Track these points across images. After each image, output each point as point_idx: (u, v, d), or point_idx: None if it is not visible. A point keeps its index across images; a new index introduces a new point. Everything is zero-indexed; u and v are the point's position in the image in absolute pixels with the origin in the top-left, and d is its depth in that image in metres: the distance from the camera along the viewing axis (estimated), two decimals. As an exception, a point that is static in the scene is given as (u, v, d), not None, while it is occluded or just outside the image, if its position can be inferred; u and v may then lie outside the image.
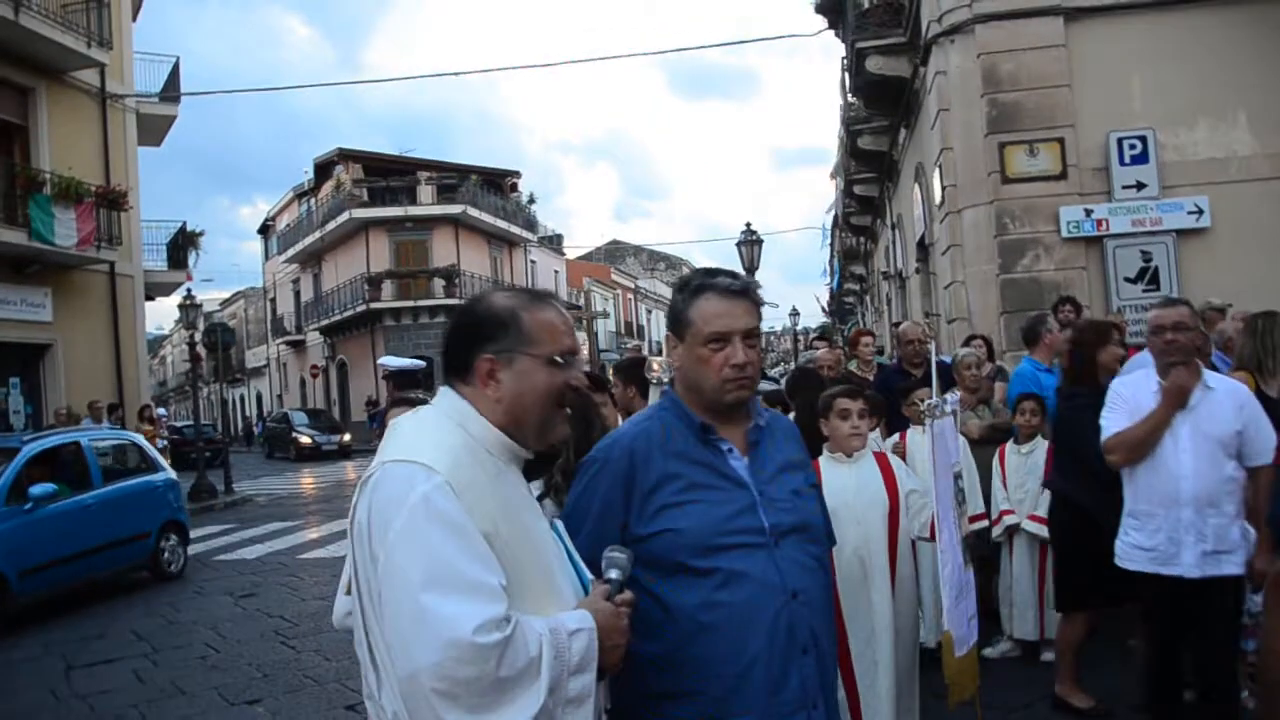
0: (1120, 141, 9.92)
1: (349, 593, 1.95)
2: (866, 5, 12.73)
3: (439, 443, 1.70)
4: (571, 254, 53.96)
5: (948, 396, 3.82)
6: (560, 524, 2.03)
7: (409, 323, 34.18)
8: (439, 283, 34.31)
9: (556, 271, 48.01)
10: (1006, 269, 9.97)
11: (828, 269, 42.06)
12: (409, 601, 1.54)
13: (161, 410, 22.54)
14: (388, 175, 36.81)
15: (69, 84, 17.81)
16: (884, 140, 15.90)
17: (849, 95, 16.92)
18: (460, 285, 33.75)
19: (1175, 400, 3.74)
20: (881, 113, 15.00)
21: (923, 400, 4.83)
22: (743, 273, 2.69)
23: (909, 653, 3.69)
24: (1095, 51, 10.03)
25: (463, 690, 1.51)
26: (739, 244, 15.52)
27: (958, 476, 3.68)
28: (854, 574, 3.53)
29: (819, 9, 16.00)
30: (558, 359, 1.80)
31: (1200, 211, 9.80)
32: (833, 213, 31.90)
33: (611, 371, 6.86)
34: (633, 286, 59.32)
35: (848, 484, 3.64)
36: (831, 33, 17.93)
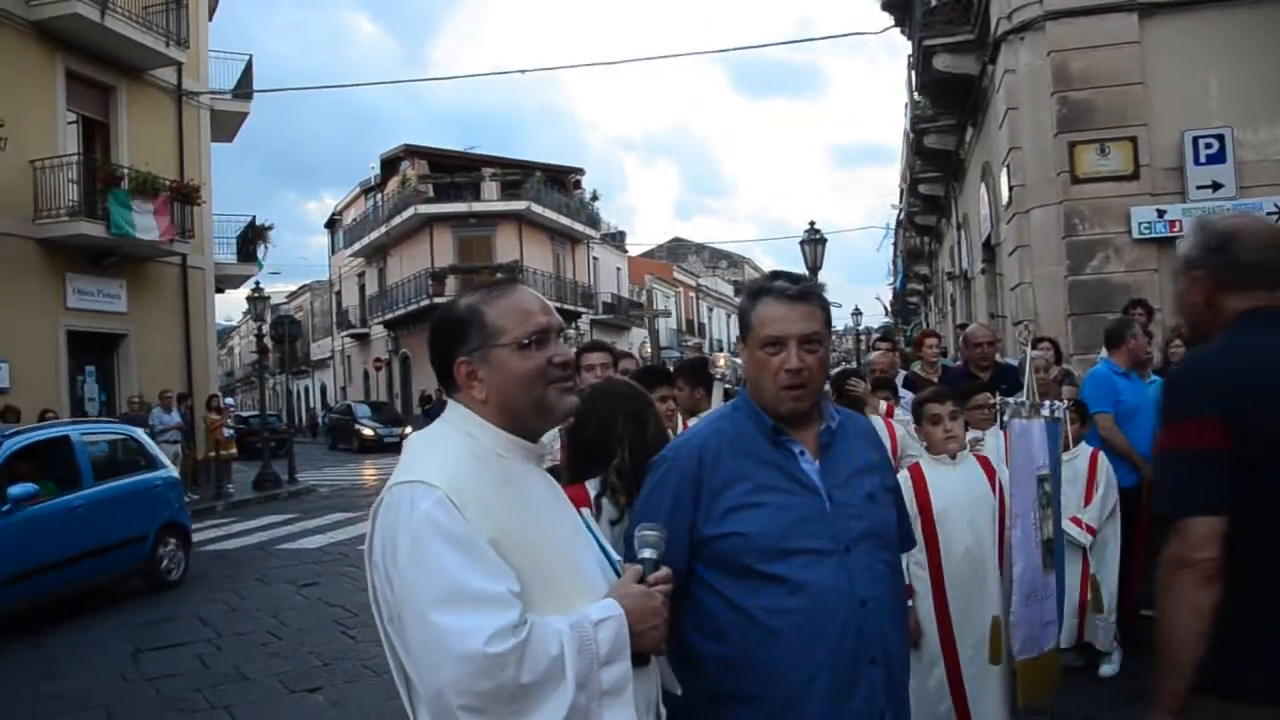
0: (1196, 140, 9.66)
1: None
2: (934, 2, 12.54)
3: (442, 457, 1.69)
4: (634, 251, 54.04)
5: (1047, 402, 3.79)
6: (589, 514, 2.02)
7: (471, 318, 34.49)
8: (502, 279, 34.57)
9: (619, 269, 48.13)
10: (1075, 270, 9.76)
11: (891, 269, 41.57)
12: (421, 623, 1.54)
13: (229, 400, 23.04)
14: (453, 171, 37.26)
15: (148, 82, 18.35)
16: (950, 139, 15.67)
17: (915, 93, 16.69)
18: (523, 281, 33.79)
19: None
20: (948, 111, 14.77)
21: (987, 404, 4.77)
22: (806, 274, 2.63)
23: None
24: (1170, 48, 9.77)
25: (487, 703, 1.51)
26: (802, 243, 15.41)
27: (1043, 480, 3.60)
28: (965, 576, 3.49)
29: (885, 6, 15.80)
30: (525, 342, 1.75)
31: (1279, 213, 9.49)
32: (897, 212, 31.52)
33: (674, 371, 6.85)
34: (694, 285, 59.23)
35: (955, 485, 3.63)
36: (898, 30, 17.71)
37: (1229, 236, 2.16)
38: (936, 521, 3.55)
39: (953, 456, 3.73)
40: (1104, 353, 5.93)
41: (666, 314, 49.81)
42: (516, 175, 37.57)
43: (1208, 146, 9.67)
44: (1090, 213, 9.77)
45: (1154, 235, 9.66)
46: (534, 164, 39.41)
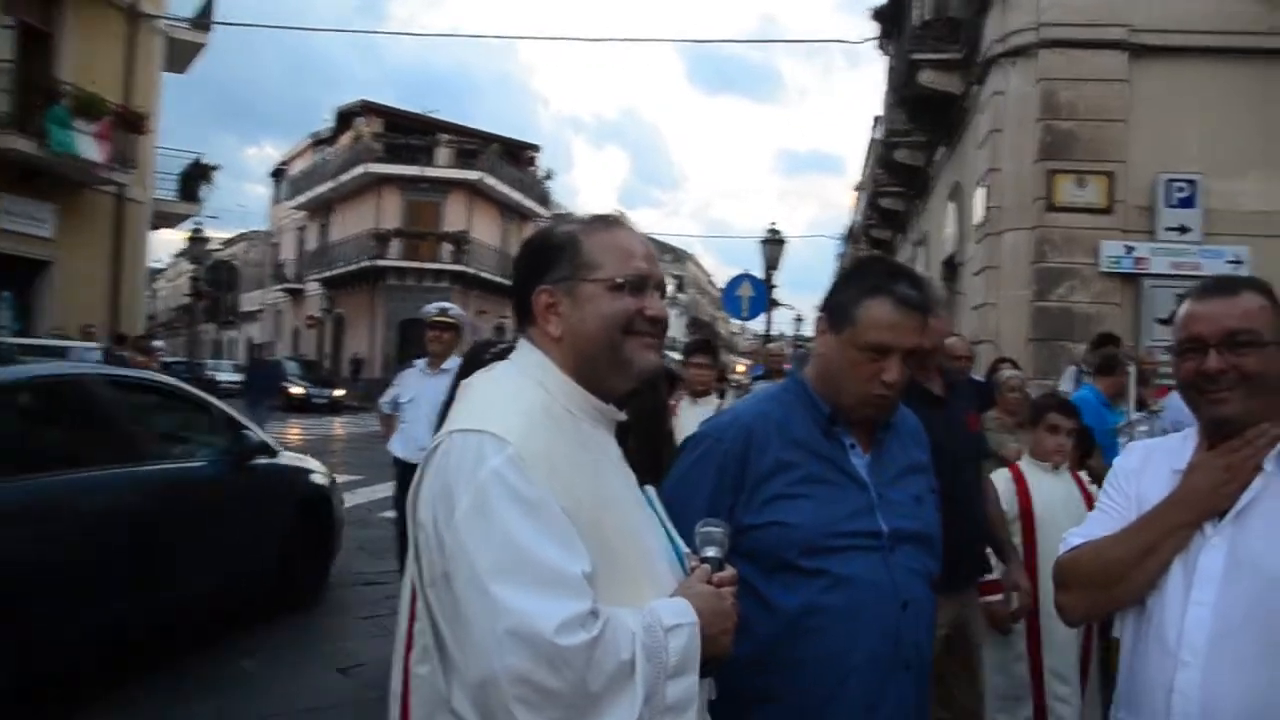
0: (1169, 183, 9.83)
1: None
2: (927, 17, 12.51)
3: (513, 406, 1.45)
4: (579, 235, 53.57)
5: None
6: (652, 490, 1.79)
7: (413, 284, 33.27)
8: (447, 247, 33.97)
9: (563, 250, 47.78)
10: (1041, 296, 9.83)
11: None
12: (478, 595, 1.29)
13: (158, 341, 22.17)
14: (408, 133, 36.48)
15: (98, -4, 17.39)
16: (920, 155, 15.70)
17: (890, 106, 16.71)
18: (469, 252, 33.42)
19: (1206, 490, 1.68)
20: (923, 127, 14.78)
21: None
22: (923, 276, 2.43)
23: None
24: (1155, 90, 9.89)
25: (546, 700, 1.26)
26: (763, 242, 15.33)
27: None
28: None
29: (877, 15, 15.78)
30: (620, 282, 1.53)
31: (1240, 262, 9.65)
32: (850, 224, 31.74)
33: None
34: (636, 274, 59.02)
35: (1058, 494, 3.73)
36: (874, 43, 17.72)
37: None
38: (1037, 526, 3.65)
39: (1055, 467, 3.80)
40: (1088, 379, 5.89)
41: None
42: (473, 144, 36.92)
43: (1179, 190, 9.83)
44: (1061, 241, 9.84)
45: (1120, 270, 9.78)
46: (492, 135, 38.75)
